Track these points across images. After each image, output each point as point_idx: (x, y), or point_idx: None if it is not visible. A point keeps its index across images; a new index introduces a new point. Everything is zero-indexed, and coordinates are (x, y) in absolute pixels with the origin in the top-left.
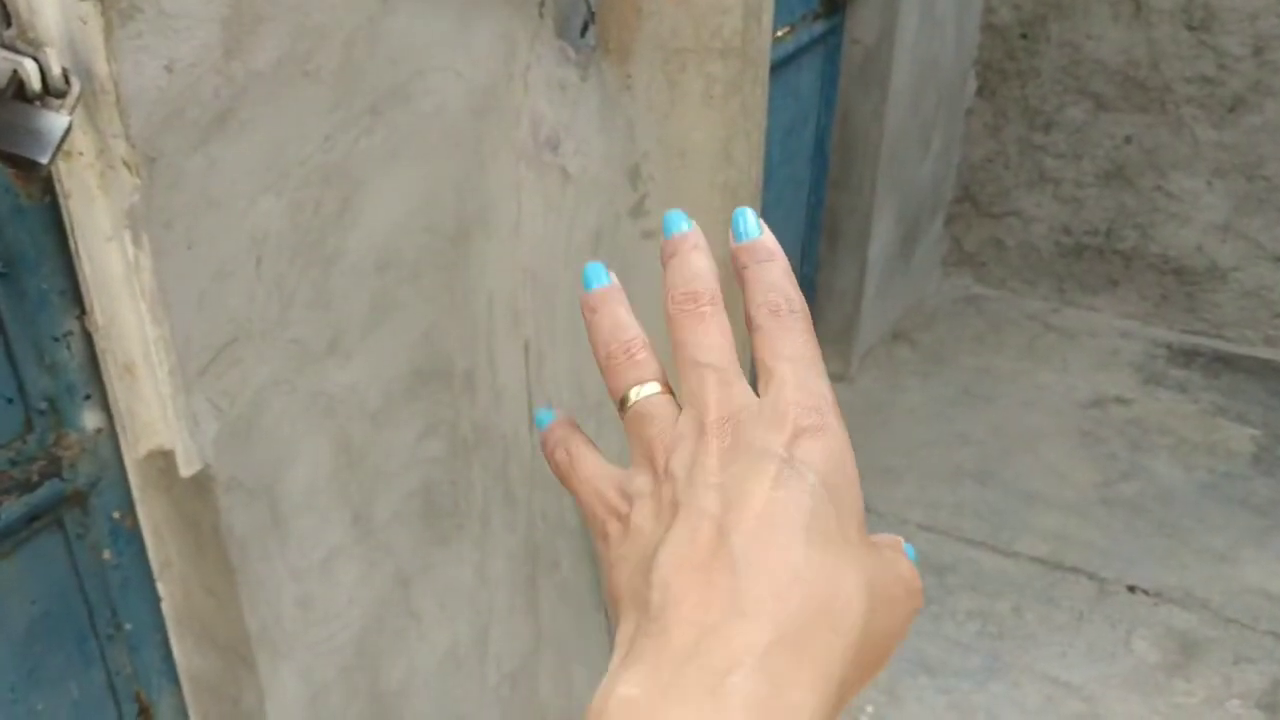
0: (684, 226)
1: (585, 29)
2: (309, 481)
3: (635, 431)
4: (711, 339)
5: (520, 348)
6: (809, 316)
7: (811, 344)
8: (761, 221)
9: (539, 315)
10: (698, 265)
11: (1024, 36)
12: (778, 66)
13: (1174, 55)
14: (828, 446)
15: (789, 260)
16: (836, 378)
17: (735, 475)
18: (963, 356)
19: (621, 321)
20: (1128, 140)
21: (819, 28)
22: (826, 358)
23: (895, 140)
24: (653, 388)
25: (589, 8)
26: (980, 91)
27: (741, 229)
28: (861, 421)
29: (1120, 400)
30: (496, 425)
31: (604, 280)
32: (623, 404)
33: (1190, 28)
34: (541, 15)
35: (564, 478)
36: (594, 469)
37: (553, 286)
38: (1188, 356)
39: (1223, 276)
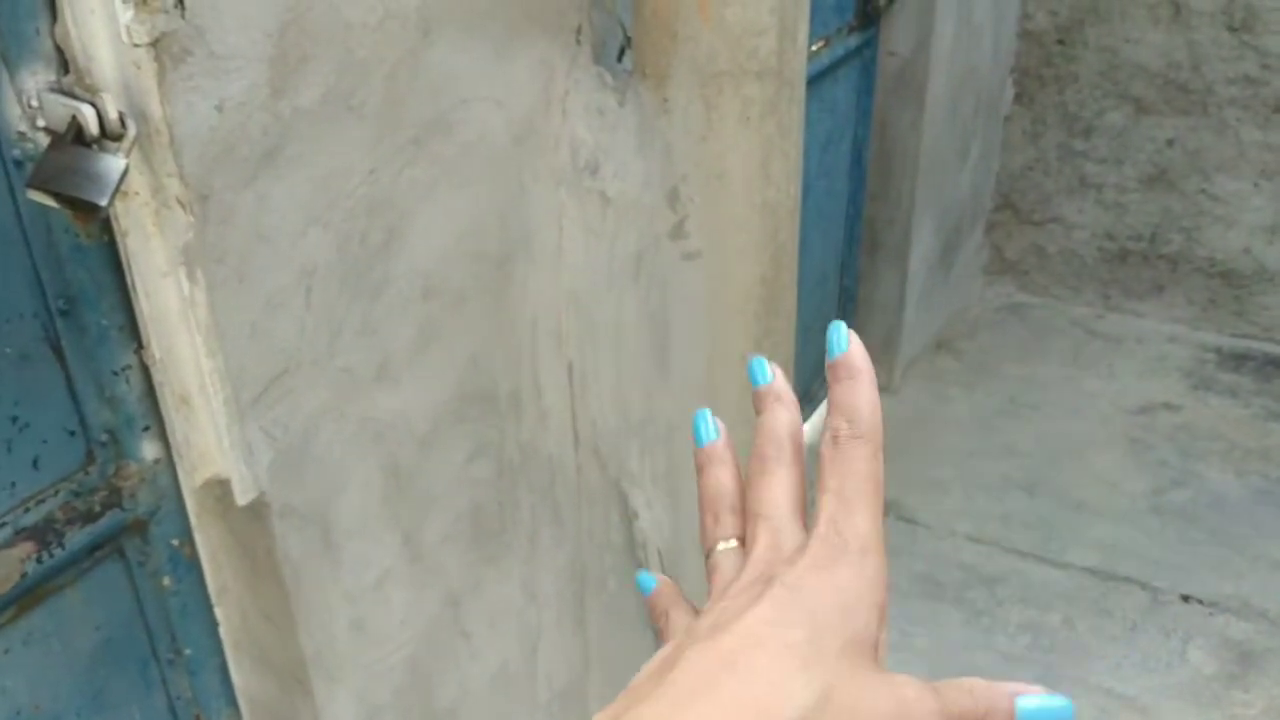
0: (765, 378)
1: (622, 54)
2: (360, 506)
3: (708, 581)
4: (772, 493)
5: (564, 370)
6: (875, 437)
7: (863, 472)
8: (851, 334)
9: (582, 338)
10: (772, 422)
11: (1061, 42)
12: (813, 80)
13: (1215, 57)
14: (836, 576)
15: (829, 271)
16: (880, 389)
17: (735, 603)
18: (1007, 365)
19: (724, 487)
20: (1170, 144)
21: (854, 40)
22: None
23: (933, 150)
24: (730, 544)
25: (625, 33)
26: (1018, 99)
27: (834, 343)
28: (906, 433)
29: (1169, 406)
30: (543, 446)
31: (713, 435)
32: (707, 557)
33: (1231, 29)
34: (579, 42)
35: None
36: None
37: (595, 309)
38: (1238, 360)
39: (1271, 279)
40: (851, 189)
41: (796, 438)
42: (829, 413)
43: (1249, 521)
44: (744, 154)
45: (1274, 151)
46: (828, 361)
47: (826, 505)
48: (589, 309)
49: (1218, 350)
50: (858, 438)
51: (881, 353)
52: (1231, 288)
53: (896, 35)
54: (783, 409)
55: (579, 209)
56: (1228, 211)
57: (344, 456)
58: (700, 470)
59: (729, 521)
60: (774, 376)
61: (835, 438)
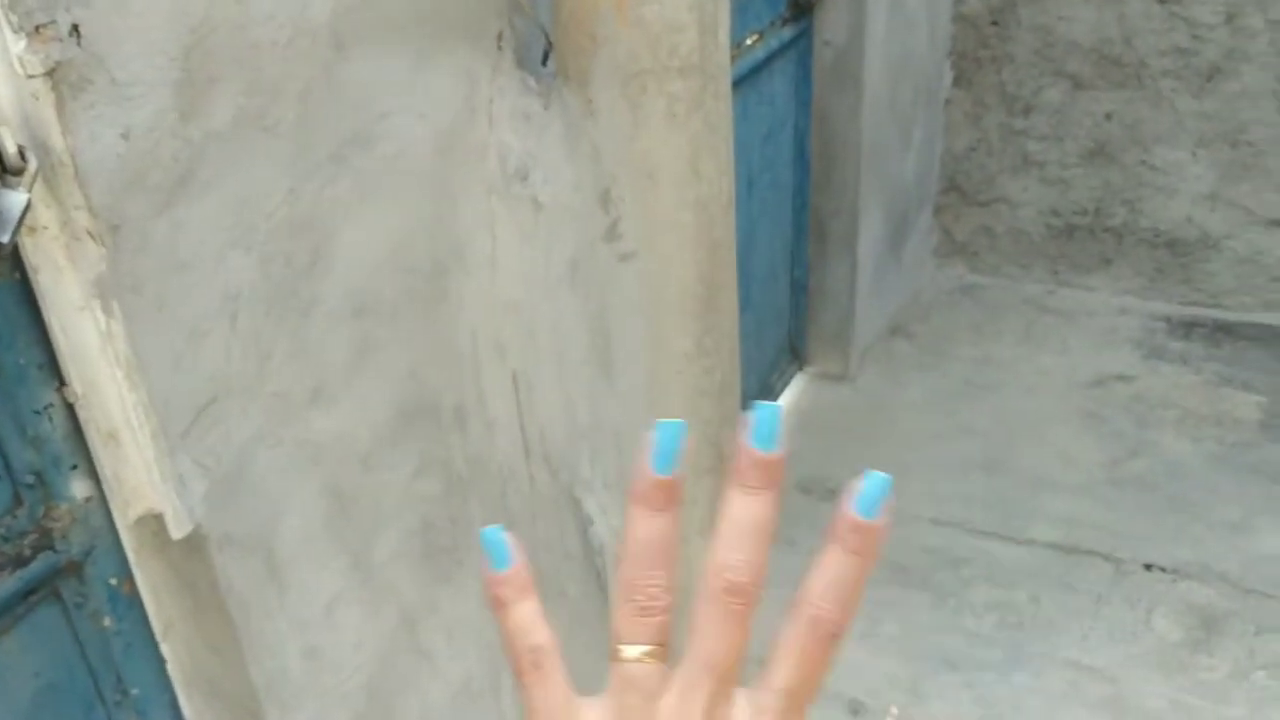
0: (764, 444)
1: (545, 58)
2: (303, 531)
3: (612, 689)
4: (725, 645)
5: (508, 379)
6: (840, 637)
7: (823, 675)
8: (888, 495)
9: (524, 346)
10: (758, 534)
11: (995, 24)
12: (750, 74)
13: (1147, 30)
14: None
15: (778, 263)
16: (836, 378)
17: None
18: (962, 347)
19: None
20: (1108, 117)
21: (788, 33)
22: (824, 359)
23: (875, 137)
24: (643, 651)
25: (547, 37)
26: (957, 82)
27: (864, 495)
28: (865, 419)
29: (1122, 378)
30: (491, 457)
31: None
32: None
33: (1160, 1)
34: (500, 48)
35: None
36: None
37: (535, 316)
38: (1187, 328)
39: (1215, 245)
40: (796, 180)
41: (762, 568)
42: (813, 577)
43: (1205, 487)
44: (672, 152)
45: (1209, 120)
46: (847, 508)
47: (775, 704)
48: (529, 316)
49: (1167, 319)
50: (835, 636)
51: (835, 341)
52: (1177, 257)
53: (830, 25)
54: (760, 505)
55: (511, 216)
56: (1168, 181)
57: (282, 482)
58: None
59: (650, 625)
60: (769, 451)
61: (814, 620)
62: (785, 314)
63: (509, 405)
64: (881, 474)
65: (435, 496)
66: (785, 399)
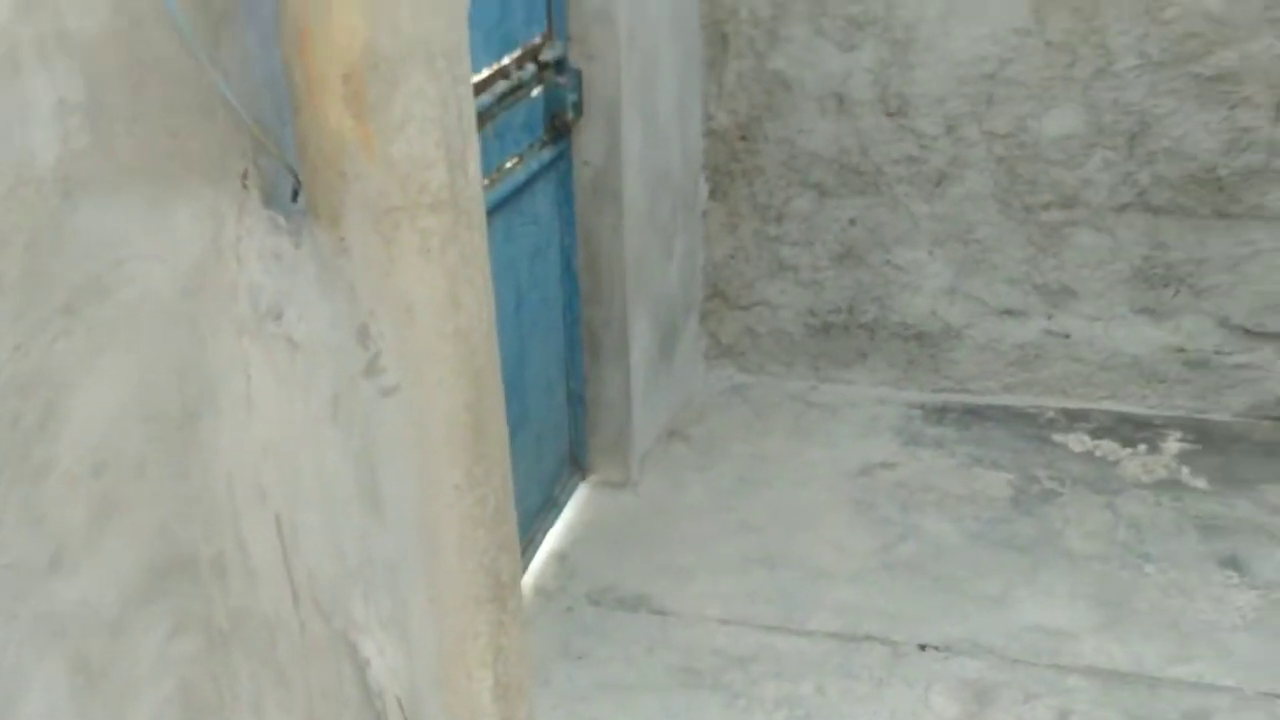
0: None
1: (295, 195)
2: (46, 710)
3: None
4: None
5: (271, 524)
6: None
7: None
8: None
9: (286, 488)
10: None
11: (744, 139)
12: (514, 195)
13: (880, 141)
14: None
15: (554, 376)
16: (618, 485)
17: None
18: (736, 445)
19: None
20: (853, 223)
21: (547, 154)
22: (606, 467)
23: (638, 250)
24: None
25: (295, 175)
26: (713, 194)
27: None
28: (648, 524)
29: (886, 465)
30: (256, 608)
31: None
32: None
33: (889, 114)
34: (246, 187)
35: None
36: None
37: (297, 457)
38: (940, 414)
39: (958, 335)
40: (565, 295)
41: None
42: None
43: (967, 564)
44: (430, 285)
45: (941, 221)
46: None
47: None
48: (290, 457)
49: (922, 406)
50: None
51: (615, 450)
52: (925, 347)
53: (588, 146)
54: None
55: (266, 356)
56: (911, 279)
57: (19, 659)
58: None
59: None
60: None
61: None
62: (564, 426)
63: (273, 551)
64: None
65: (195, 656)
66: (569, 511)
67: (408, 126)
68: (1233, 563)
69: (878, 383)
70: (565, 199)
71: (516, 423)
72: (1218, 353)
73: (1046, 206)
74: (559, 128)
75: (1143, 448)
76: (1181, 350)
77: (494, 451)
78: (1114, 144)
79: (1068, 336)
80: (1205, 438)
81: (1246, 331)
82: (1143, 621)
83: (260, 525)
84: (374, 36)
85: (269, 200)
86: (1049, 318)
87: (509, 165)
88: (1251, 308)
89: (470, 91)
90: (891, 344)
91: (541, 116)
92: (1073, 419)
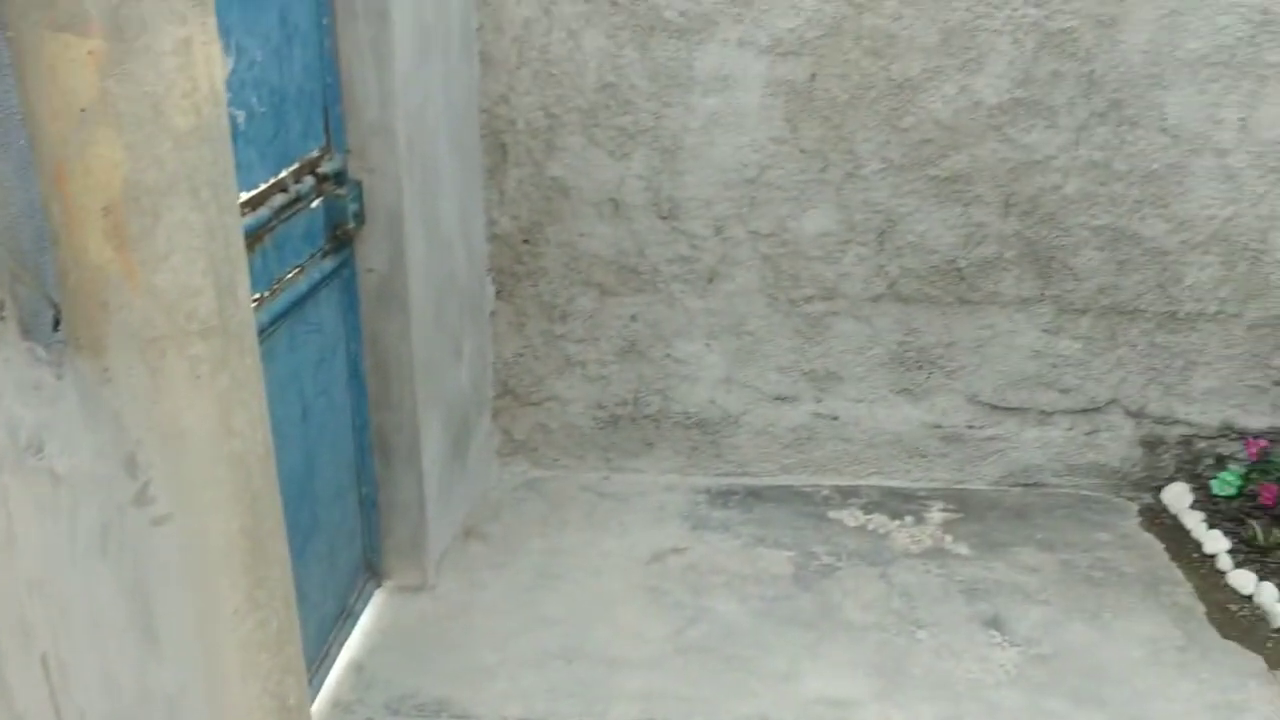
0: None
1: (56, 325)
2: None
3: None
4: None
5: (38, 664)
6: None
7: None
8: None
9: (54, 625)
10: None
11: (527, 242)
12: (296, 305)
13: (655, 242)
14: None
15: (345, 483)
16: (415, 589)
17: None
18: (532, 540)
19: None
20: (634, 319)
21: (329, 263)
22: (402, 571)
23: (427, 353)
24: None
25: (55, 305)
26: (499, 295)
27: None
28: (447, 627)
29: (676, 550)
30: None
31: None
32: None
33: (662, 217)
34: (3, 318)
35: None
36: None
37: (64, 592)
38: (724, 497)
39: (736, 421)
40: (354, 401)
41: None
42: None
43: (754, 642)
44: (200, 412)
45: (715, 316)
46: None
47: None
48: (57, 593)
49: (707, 491)
50: None
51: (411, 553)
52: (707, 434)
53: (371, 254)
54: None
55: (27, 491)
56: (691, 370)
57: None
58: None
59: None
60: None
61: None
62: (358, 532)
63: (40, 692)
64: None
65: None
66: (366, 618)
67: (172, 257)
68: (995, 623)
69: (665, 470)
70: (350, 306)
71: (307, 533)
72: (969, 427)
73: (809, 299)
74: (341, 237)
75: (910, 519)
76: (938, 426)
77: (275, 573)
78: (865, 240)
79: (836, 418)
80: (965, 506)
81: (993, 407)
82: (918, 685)
83: (26, 666)
84: (135, 170)
85: (27, 331)
86: (818, 401)
87: (290, 276)
88: (995, 385)
89: (238, 219)
90: (675, 433)
91: (322, 227)
92: (846, 495)
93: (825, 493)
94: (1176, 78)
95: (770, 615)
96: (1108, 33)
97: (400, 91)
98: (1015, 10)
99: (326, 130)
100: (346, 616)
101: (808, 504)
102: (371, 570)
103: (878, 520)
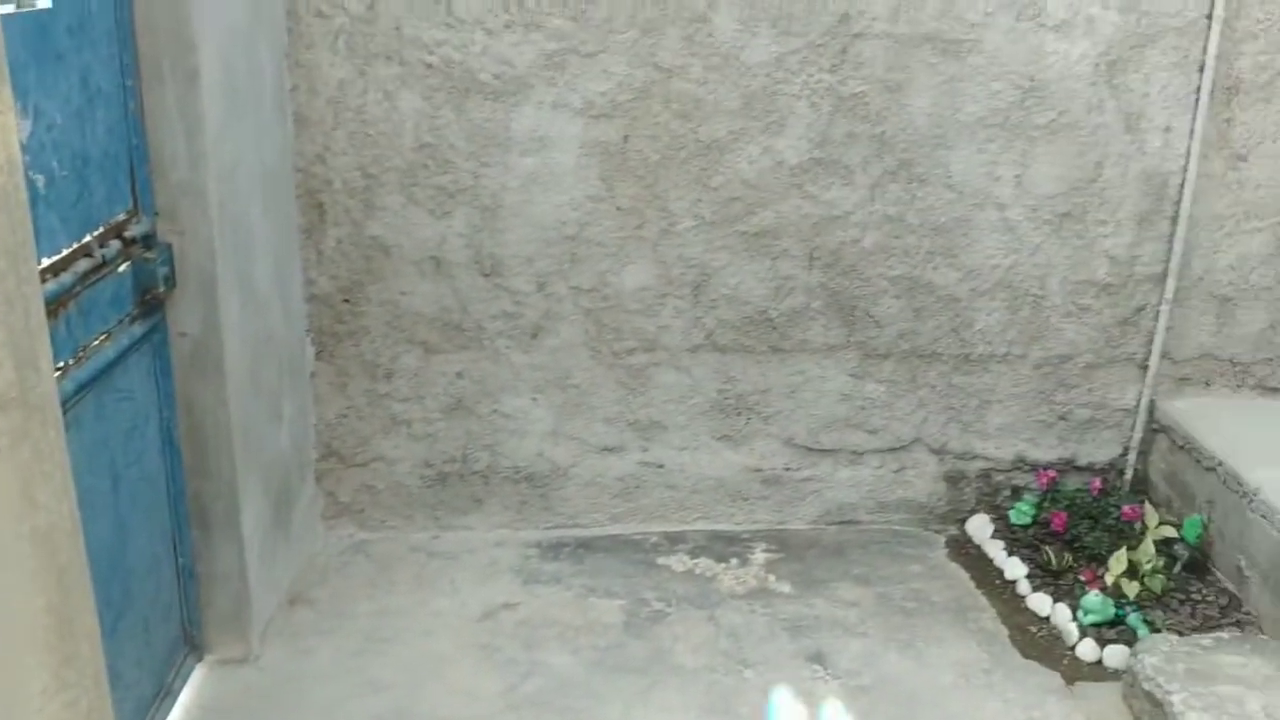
0: None
1: None
2: None
3: None
4: None
5: None
6: None
7: None
8: None
9: None
10: None
11: (347, 301)
12: (104, 372)
13: (478, 299)
14: None
15: (161, 555)
16: (239, 661)
17: None
18: (360, 604)
19: None
20: (459, 375)
21: (139, 329)
22: (224, 644)
23: (244, 418)
24: None
25: None
26: (320, 355)
27: None
28: (273, 699)
29: (508, 605)
30: None
31: None
32: None
33: (485, 275)
34: None
35: None
36: None
37: None
38: (555, 550)
39: (565, 474)
40: (169, 469)
41: None
42: None
43: (588, 692)
44: (1, 486)
45: (540, 370)
46: None
47: None
48: None
49: (538, 544)
50: None
51: (233, 623)
52: (536, 488)
53: (184, 317)
54: None
55: None
56: (518, 425)
57: None
58: None
59: None
60: None
61: None
62: (176, 605)
63: None
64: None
65: None
66: (186, 695)
67: None
68: (817, 658)
69: (495, 526)
70: (163, 371)
71: (120, 608)
72: (787, 469)
73: (631, 351)
74: (151, 301)
75: (735, 561)
76: (758, 470)
77: (84, 650)
78: (682, 294)
79: (661, 466)
80: (785, 546)
81: (808, 449)
82: None
83: None
84: None
85: None
86: (644, 450)
87: (97, 343)
88: (809, 428)
89: (38, 287)
90: (505, 487)
91: (131, 291)
92: (673, 541)
93: (654, 540)
94: (958, 138)
95: (602, 665)
96: (895, 97)
97: (211, 153)
98: (811, 77)
99: (133, 193)
100: (165, 695)
101: (637, 552)
102: (191, 644)
103: (704, 564)
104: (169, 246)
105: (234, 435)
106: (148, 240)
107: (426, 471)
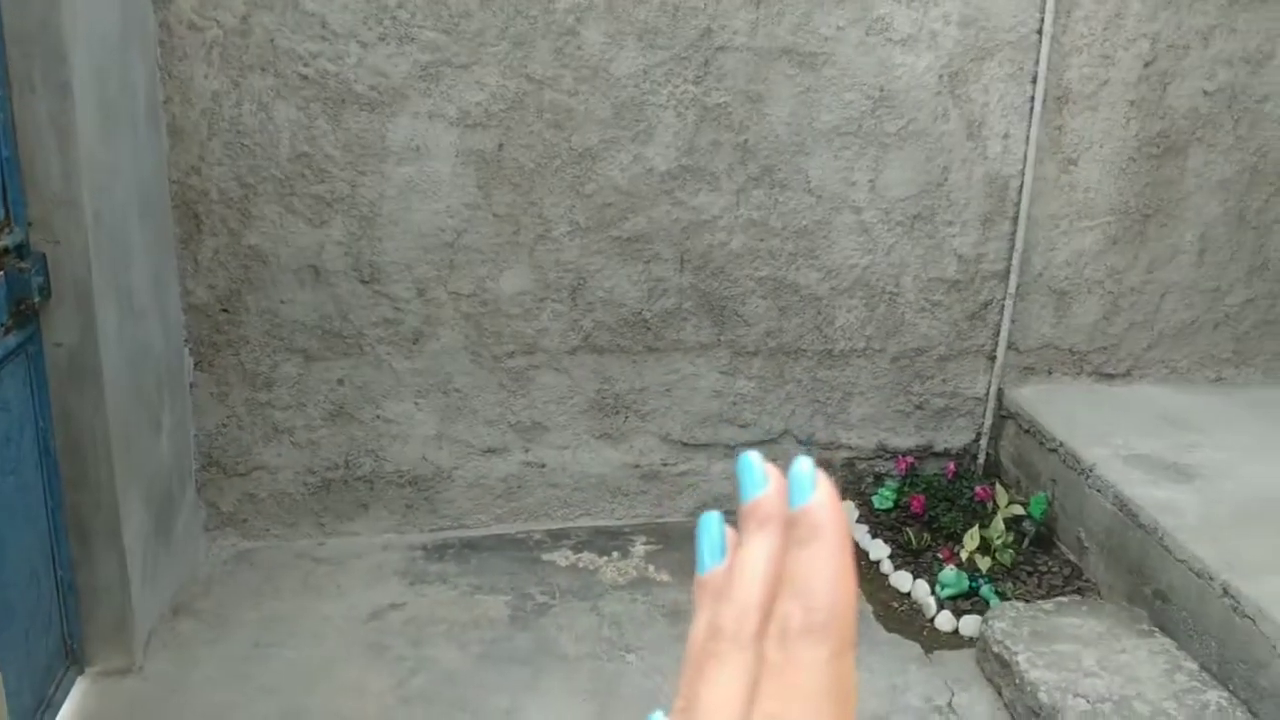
0: (756, 490)
1: None
2: None
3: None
4: (713, 692)
5: None
6: (838, 630)
7: (815, 687)
8: (819, 475)
9: None
10: (748, 574)
11: (225, 311)
12: None
13: (358, 306)
14: None
15: (40, 567)
16: (123, 673)
17: None
18: (246, 612)
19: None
20: (341, 382)
21: (13, 340)
22: (106, 656)
23: (123, 429)
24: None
25: None
26: (199, 365)
27: (795, 486)
28: (158, 710)
29: (395, 606)
30: None
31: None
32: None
33: (364, 282)
34: None
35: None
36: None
37: None
38: (441, 550)
39: (449, 476)
40: (46, 481)
41: (768, 592)
42: (780, 590)
43: (477, 685)
44: None
45: (422, 375)
46: (790, 511)
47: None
48: None
49: (424, 546)
50: (811, 633)
51: (116, 635)
52: (421, 491)
53: (59, 327)
54: (764, 547)
55: None
56: (401, 430)
57: None
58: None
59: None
60: (765, 490)
61: (784, 632)
62: (55, 619)
63: None
64: (800, 457)
65: None
66: (67, 707)
67: None
68: None
69: (381, 530)
70: (39, 382)
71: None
72: (664, 465)
73: (511, 354)
74: (25, 312)
75: (616, 554)
76: (637, 466)
77: None
78: (560, 297)
79: (544, 466)
80: (664, 538)
81: (684, 444)
82: (629, 706)
83: None
84: None
85: None
86: (526, 451)
87: None
88: (684, 424)
89: None
90: (389, 492)
91: (4, 301)
92: (557, 538)
93: (538, 537)
94: (816, 146)
95: (490, 657)
96: (756, 107)
97: (85, 164)
98: (676, 88)
99: (5, 203)
100: (45, 707)
101: (521, 549)
102: (72, 657)
103: (587, 558)
104: (43, 257)
105: (113, 446)
106: (21, 250)
107: (310, 479)
